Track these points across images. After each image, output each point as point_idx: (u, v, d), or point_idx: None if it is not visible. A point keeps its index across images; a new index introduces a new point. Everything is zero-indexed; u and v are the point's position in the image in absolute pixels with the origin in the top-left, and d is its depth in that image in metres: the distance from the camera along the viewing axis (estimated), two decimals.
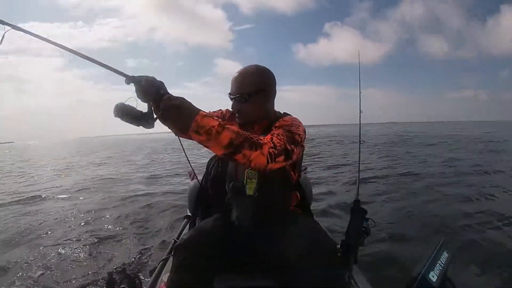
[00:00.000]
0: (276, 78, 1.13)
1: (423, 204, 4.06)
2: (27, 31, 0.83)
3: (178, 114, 0.77)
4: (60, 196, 5.06)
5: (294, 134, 0.96)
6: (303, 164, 2.66)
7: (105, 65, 0.85)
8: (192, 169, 1.60)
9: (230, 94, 1.10)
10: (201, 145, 0.81)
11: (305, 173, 2.24)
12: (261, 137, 0.88)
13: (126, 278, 1.06)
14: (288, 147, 0.91)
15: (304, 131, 1.04)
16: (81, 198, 4.92)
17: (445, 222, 3.22)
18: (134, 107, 0.85)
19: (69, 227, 3.29)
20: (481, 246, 2.61)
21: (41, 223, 3.50)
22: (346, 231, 1.26)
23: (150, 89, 0.80)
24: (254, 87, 1.06)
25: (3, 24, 0.78)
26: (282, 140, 0.90)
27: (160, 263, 1.28)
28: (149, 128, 0.85)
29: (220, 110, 1.26)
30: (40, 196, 5.07)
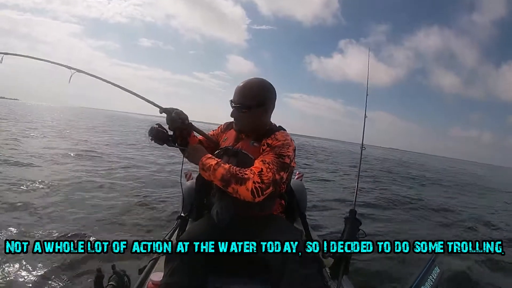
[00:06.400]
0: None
1: (418, 220, 4.06)
2: (90, 73, 1.18)
3: (193, 155, 1.06)
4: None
5: (284, 158, 1.06)
6: (299, 170, 2.66)
7: (142, 97, 1.16)
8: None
9: (231, 101, 1.16)
10: None
11: (300, 180, 2.24)
12: (248, 171, 0.98)
13: (115, 275, 1.05)
14: (277, 177, 1.02)
15: (294, 150, 1.12)
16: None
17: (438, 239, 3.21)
18: (165, 131, 1.13)
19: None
20: (473, 265, 2.61)
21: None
22: (339, 240, 1.26)
23: (178, 120, 1.10)
24: (255, 101, 1.13)
25: (69, 68, 1.13)
26: (272, 170, 1.01)
27: (150, 262, 1.27)
28: (171, 147, 1.14)
29: (220, 125, 1.37)
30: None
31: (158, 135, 1.12)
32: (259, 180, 0.97)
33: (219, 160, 1.02)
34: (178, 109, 1.12)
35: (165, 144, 1.14)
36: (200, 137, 1.29)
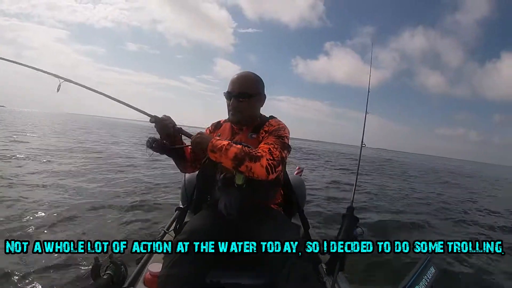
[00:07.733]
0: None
1: (416, 219, 4.07)
2: (78, 83, 1.15)
3: (201, 140, 1.05)
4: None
5: (283, 138, 1.13)
6: (299, 165, 2.66)
7: (131, 106, 1.15)
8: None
9: (229, 92, 1.19)
10: None
11: (300, 175, 2.24)
12: (260, 150, 1.03)
13: (112, 264, 1.06)
14: (283, 155, 1.09)
15: (289, 132, 1.19)
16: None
17: (437, 239, 3.22)
18: (161, 140, 1.13)
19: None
20: (470, 267, 2.61)
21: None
22: (336, 237, 1.26)
23: (170, 127, 1.12)
24: (254, 90, 1.20)
25: (57, 77, 1.11)
26: (277, 149, 1.07)
27: (148, 253, 1.28)
28: (172, 152, 1.17)
29: (207, 128, 1.39)
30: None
31: (160, 146, 1.13)
32: (271, 157, 1.02)
33: (229, 141, 1.05)
34: (166, 115, 1.14)
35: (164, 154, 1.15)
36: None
